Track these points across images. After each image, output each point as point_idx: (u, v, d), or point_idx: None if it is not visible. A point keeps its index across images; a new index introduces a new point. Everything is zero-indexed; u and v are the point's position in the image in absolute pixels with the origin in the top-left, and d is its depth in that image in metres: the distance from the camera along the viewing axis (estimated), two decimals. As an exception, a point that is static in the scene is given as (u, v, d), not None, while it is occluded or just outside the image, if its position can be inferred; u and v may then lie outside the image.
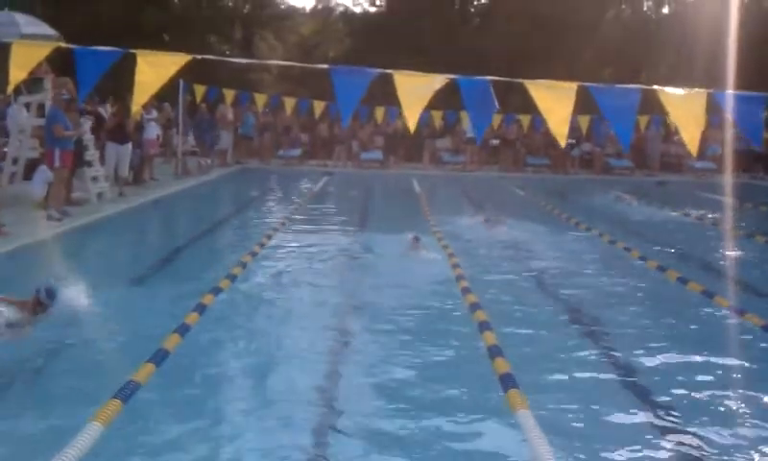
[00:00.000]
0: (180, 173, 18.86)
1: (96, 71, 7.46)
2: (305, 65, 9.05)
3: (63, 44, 7.21)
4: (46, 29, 14.51)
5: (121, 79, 7.74)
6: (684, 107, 7.57)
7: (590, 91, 7.80)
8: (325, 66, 7.79)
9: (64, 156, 11.52)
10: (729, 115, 8.14)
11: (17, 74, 7.34)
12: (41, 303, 5.86)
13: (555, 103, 7.37)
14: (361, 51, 34.52)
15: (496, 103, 8.32)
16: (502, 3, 34.51)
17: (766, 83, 9.22)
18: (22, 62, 7.37)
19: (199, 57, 8.29)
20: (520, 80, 7.65)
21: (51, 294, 5.95)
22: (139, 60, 7.16)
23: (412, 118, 7.40)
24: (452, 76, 7.56)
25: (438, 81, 7.45)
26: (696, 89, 7.66)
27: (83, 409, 4.30)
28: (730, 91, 8.03)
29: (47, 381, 5.20)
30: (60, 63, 11.81)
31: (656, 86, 7.79)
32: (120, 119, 14.52)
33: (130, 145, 14.66)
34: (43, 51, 7.28)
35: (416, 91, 7.34)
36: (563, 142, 7.37)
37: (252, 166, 23.42)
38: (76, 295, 6.83)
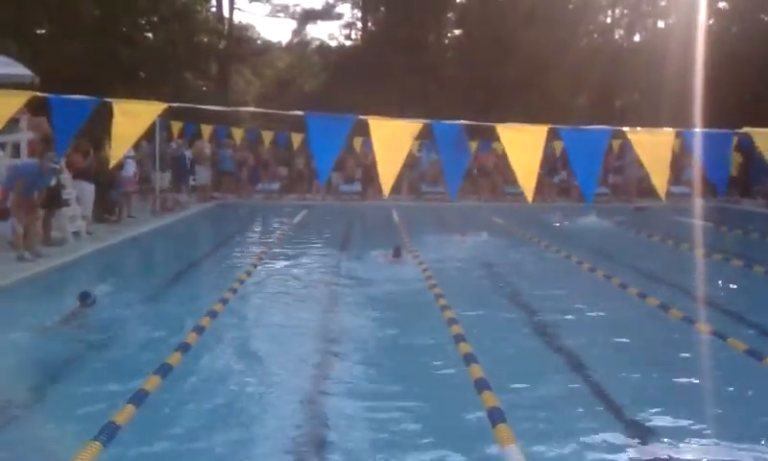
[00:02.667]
0: (158, 210, 18.74)
1: (73, 122, 7.33)
2: (281, 112, 8.99)
3: (39, 94, 7.10)
4: (21, 69, 14.41)
5: (94, 121, 7.65)
6: (652, 151, 7.55)
7: (560, 134, 7.81)
8: (301, 113, 7.67)
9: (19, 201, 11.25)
10: (696, 157, 8.09)
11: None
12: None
13: (524, 152, 7.30)
14: (337, 85, 34.67)
15: (469, 150, 8.34)
16: (475, 34, 34.85)
17: (729, 121, 9.42)
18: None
19: (175, 105, 8.27)
20: (492, 124, 7.65)
21: (85, 297, 7.93)
22: (115, 110, 7.02)
23: (387, 183, 7.31)
24: (426, 121, 7.50)
25: (412, 128, 7.36)
26: (665, 129, 7.68)
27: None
28: (698, 130, 8.04)
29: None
30: (35, 102, 11.70)
31: (626, 128, 7.79)
32: (91, 160, 14.50)
33: (93, 185, 14.65)
34: (19, 100, 7.14)
35: (392, 143, 7.24)
36: (530, 197, 7.28)
37: (229, 201, 23.34)
38: (45, 339, 6.88)
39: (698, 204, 18.92)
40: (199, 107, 9.35)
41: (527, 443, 4.56)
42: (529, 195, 7.21)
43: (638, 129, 7.72)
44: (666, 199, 7.61)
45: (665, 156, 7.53)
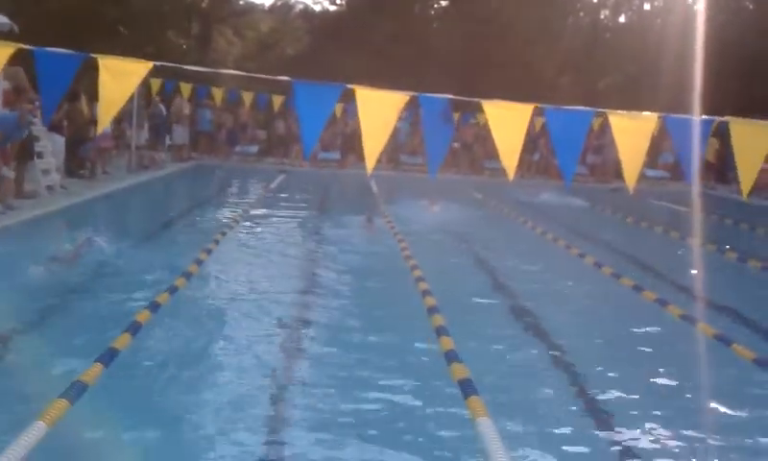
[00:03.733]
0: (134, 167, 18.53)
1: (60, 81, 7.15)
2: (267, 77, 8.89)
3: (24, 46, 6.89)
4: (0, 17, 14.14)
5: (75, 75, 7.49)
6: (630, 138, 7.53)
7: (545, 113, 7.81)
8: (288, 79, 7.59)
9: None
10: (695, 143, 8.10)
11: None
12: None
13: (508, 129, 7.28)
14: (320, 49, 34.34)
15: (454, 125, 8.34)
16: (462, 6, 34.65)
17: (713, 107, 9.53)
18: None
19: (162, 64, 8.12)
20: (477, 99, 7.64)
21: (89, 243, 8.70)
22: (101, 69, 6.84)
23: (371, 159, 7.26)
24: (413, 93, 7.45)
25: (399, 100, 7.30)
26: (646, 114, 7.66)
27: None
28: (680, 115, 8.02)
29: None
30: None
31: (607, 110, 7.76)
32: (63, 112, 14.30)
33: (63, 138, 14.44)
34: (6, 52, 6.92)
35: (378, 115, 7.17)
36: (511, 175, 7.27)
37: (207, 162, 23.12)
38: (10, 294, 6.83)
39: (674, 188, 19.06)
40: (186, 67, 9.23)
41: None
42: (510, 173, 7.21)
43: (621, 112, 7.70)
44: (633, 189, 7.61)
45: (642, 145, 7.53)
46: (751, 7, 31.19)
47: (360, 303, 7.57)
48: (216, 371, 5.39)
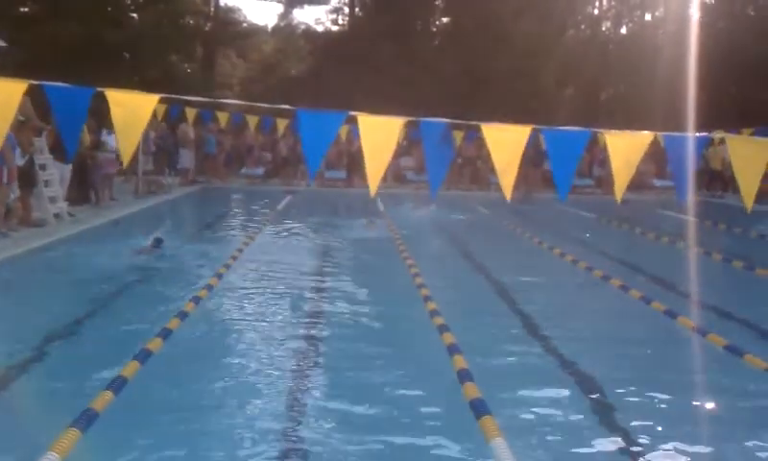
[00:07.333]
0: (141, 193, 18.61)
1: (76, 116, 7.24)
2: (272, 106, 9.06)
3: (36, 82, 6.94)
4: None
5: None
6: (624, 154, 7.68)
7: (543, 135, 7.98)
8: (292, 108, 7.77)
9: None
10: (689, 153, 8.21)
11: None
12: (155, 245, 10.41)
13: (506, 150, 7.38)
14: (322, 69, 34.53)
15: (453, 147, 8.51)
16: (463, 22, 34.79)
17: (714, 115, 9.63)
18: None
19: (168, 96, 8.29)
20: (476, 122, 7.77)
21: (158, 241, 10.63)
22: (111, 104, 6.88)
23: (374, 181, 7.37)
24: (414, 118, 7.64)
25: (400, 124, 7.47)
26: (643, 132, 7.77)
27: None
28: (675, 134, 8.14)
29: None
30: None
31: (603, 131, 7.95)
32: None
33: (70, 165, 14.52)
34: (19, 88, 6.91)
35: (380, 138, 7.31)
36: (508, 195, 7.39)
37: (213, 185, 23.22)
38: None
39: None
40: (192, 98, 9.38)
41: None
42: (507, 193, 7.33)
43: (617, 132, 7.86)
44: (622, 203, 7.78)
45: (634, 160, 7.69)
46: (753, 13, 31.25)
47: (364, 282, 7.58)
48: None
